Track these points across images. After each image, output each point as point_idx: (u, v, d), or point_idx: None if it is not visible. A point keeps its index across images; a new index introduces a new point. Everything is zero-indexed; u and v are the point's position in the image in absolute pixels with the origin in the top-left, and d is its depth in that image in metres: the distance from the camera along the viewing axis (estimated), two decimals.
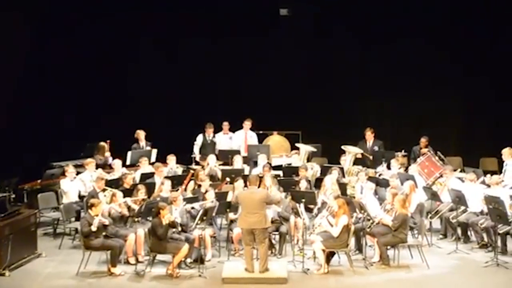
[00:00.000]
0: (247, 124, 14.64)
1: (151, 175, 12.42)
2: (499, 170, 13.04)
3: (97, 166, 12.87)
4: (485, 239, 11.16)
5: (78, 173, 12.46)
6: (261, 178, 11.68)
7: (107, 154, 13.54)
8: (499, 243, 10.77)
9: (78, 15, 15.17)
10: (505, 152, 12.72)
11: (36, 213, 11.44)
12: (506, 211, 10.51)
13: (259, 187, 10.96)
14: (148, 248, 10.34)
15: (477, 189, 11.62)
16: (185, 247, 10.10)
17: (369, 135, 14.44)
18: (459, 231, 11.50)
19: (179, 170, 13.15)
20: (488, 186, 11.72)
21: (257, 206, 9.96)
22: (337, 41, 15.56)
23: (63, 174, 12.60)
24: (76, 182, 12.22)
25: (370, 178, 12.43)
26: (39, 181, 13.03)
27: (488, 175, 12.23)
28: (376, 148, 14.32)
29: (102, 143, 13.61)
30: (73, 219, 11.77)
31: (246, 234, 10.06)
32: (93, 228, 9.99)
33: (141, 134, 14.09)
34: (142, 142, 14.08)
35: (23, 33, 14.50)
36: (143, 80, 15.74)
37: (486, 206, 10.81)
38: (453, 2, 15.15)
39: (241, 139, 14.62)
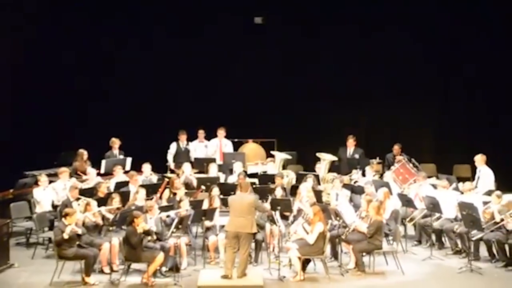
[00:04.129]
0: (221, 132, 14.65)
1: (126, 183, 12.33)
2: (472, 177, 13.16)
3: (76, 173, 12.83)
4: (459, 245, 11.26)
5: (51, 182, 12.32)
6: (236, 186, 11.68)
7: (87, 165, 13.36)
8: (472, 249, 10.86)
9: (58, 26, 15.17)
10: (478, 158, 12.84)
11: (9, 222, 11.29)
12: (479, 217, 10.61)
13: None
14: (123, 257, 10.26)
15: (451, 195, 11.72)
16: (160, 255, 10.04)
17: (351, 142, 14.51)
18: (433, 237, 11.58)
19: (154, 178, 13.08)
20: (462, 192, 11.82)
21: (245, 211, 10.04)
22: (312, 50, 15.62)
23: (36, 183, 12.46)
24: (49, 191, 12.09)
25: (345, 185, 12.49)
26: (11, 190, 12.86)
27: (461, 183, 12.37)
28: (356, 156, 14.38)
29: (81, 150, 13.47)
30: (46, 228, 11.62)
31: (231, 237, 10.07)
32: (65, 236, 9.87)
33: (116, 142, 14.00)
34: (116, 151, 13.99)
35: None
36: (117, 89, 15.65)
37: (460, 212, 10.90)
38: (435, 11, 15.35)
39: (215, 147, 14.60)
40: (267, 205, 11.15)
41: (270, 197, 11.47)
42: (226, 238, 10.25)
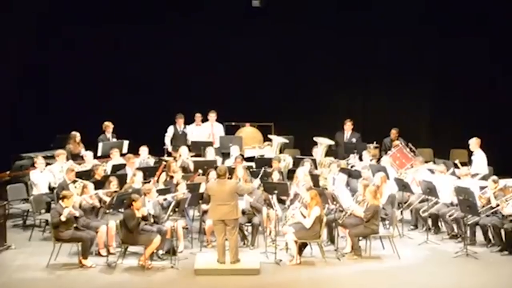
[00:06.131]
0: (212, 116, 14.62)
1: (123, 166, 12.33)
2: (469, 162, 13.16)
3: (72, 156, 12.81)
4: (455, 229, 11.29)
5: (47, 164, 12.31)
6: (233, 170, 11.68)
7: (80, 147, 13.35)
8: (468, 233, 10.90)
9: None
10: (472, 142, 12.82)
11: (5, 204, 11.30)
12: (475, 202, 10.64)
13: (231, 178, 10.95)
14: (120, 239, 10.27)
15: (448, 180, 11.74)
16: (157, 238, 10.06)
17: (348, 126, 14.47)
18: (429, 222, 11.61)
19: (151, 161, 13.07)
20: (459, 177, 11.84)
21: (227, 197, 9.95)
22: (310, 33, 15.56)
23: (32, 165, 12.45)
24: (46, 173, 12.08)
25: (342, 170, 12.50)
26: (8, 172, 12.86)
27: (457, 160, 12.44)
28: (354, 140, 14.38)
29: (73, 132, 13.44)
30: (43, 210, 11.63)
31: (217, 225, 10.06)
32: (62, 218, 9.88)
33: (109, 126, 13.98)
34: (109, 134, 13.98)
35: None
36: (114, 73, 15.59)
37: (456, 197, 10.92)
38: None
39: (208, 131, 14.57)
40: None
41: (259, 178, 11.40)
42: (213, 225, 10.22)
